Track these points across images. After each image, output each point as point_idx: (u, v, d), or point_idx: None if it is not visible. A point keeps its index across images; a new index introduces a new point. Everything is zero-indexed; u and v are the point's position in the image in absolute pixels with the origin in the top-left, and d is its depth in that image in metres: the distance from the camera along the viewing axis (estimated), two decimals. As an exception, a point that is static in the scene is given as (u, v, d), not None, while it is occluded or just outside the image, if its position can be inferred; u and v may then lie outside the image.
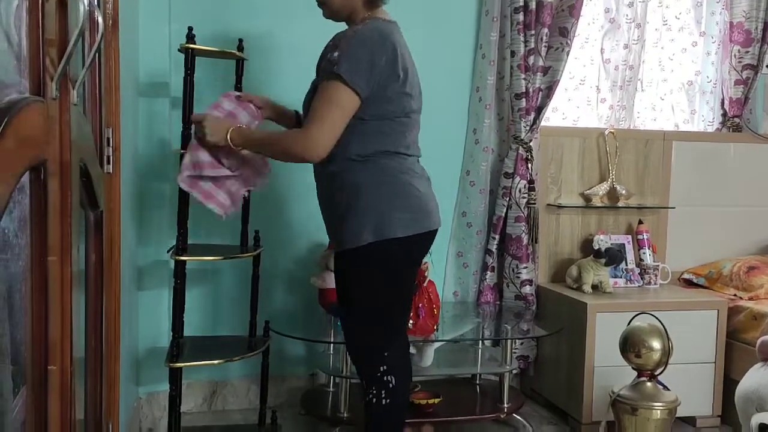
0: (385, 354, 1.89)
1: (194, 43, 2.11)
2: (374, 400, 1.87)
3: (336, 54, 1.77)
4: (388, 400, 1.86)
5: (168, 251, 2.36)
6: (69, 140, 0.98)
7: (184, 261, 2.14)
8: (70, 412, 1.00)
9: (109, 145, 1.66)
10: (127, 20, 2.07)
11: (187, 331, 2.26)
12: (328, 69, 1.78)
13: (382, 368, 1.87)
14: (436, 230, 1.93)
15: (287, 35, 2.75)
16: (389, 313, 1.92)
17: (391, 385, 1.87)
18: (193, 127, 1.97)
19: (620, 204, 3.07)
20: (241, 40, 2.34)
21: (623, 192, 3.05)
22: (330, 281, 2.63)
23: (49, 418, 0.93)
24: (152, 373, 2.62)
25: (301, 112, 2.03)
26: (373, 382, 1.88)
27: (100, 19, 1.26)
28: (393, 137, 1.85)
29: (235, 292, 2.70)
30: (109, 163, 1.67)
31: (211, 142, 1.88)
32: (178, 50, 2.18)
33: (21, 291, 0.92)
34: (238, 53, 2.29)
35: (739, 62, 3.20)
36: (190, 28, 2.12)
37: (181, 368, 2.17)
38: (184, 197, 2.13)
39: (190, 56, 2.12)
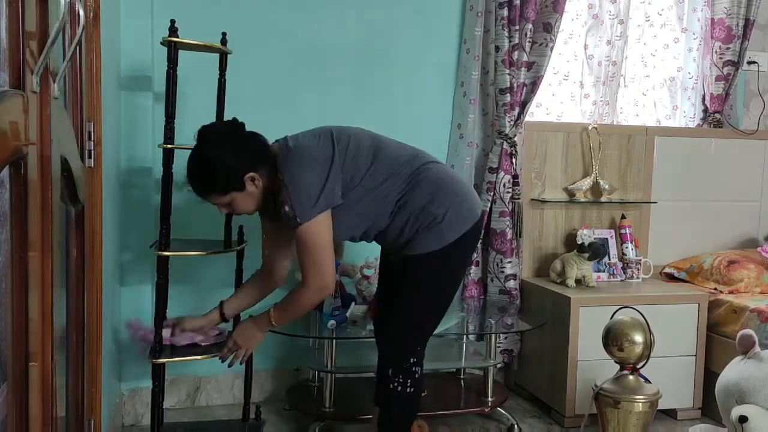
0: (418, 348, 2.02)
1: (177, 37, 2.09)
2: (399, 388, 1.97)
3: (287, 208, 1.85)
4: (412, 389, 1.99)
5: (151, 246, 2.34)
6: (49, 134, 0.97)
7: (167, 256, 2.12)
8: (51, 409, 0.99)
9: (90, 139, 1.65)
10: (108, 13, 2.05)
11: (171, 327, 2.25)
12: (291, 223, 1.87)
13: (412, 360, 1.99)
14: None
15: (272, 28, 2.73)
16: (444, 307, 2.05)
17: (417, 375, 2.00)
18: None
19: (603, 199, 3.09)
20: (224, 33, 2.32)
21: (606, 187, 3.07)
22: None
23: (30, 416, 0.92)
24: (135, 369, 2.60)
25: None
26: (401, 371, 1.98)
27: (81, 12, 1.25)
28: (400, 164, 1.96)
29: (219, 288, 2.68)
30: (90, 157, 1.65)
31: (253, 345, 2.11)
32: (161, 43, 2.15)
33: (1, 287, 0.91)
34: (221, 46, 2.27)
35: (720, 58, 3.23)
36: (173, 21, 2.10)
37: (164, 364, 2.16)
38: (166, 192, 2.11)
39: (172, 50, 2.10)
